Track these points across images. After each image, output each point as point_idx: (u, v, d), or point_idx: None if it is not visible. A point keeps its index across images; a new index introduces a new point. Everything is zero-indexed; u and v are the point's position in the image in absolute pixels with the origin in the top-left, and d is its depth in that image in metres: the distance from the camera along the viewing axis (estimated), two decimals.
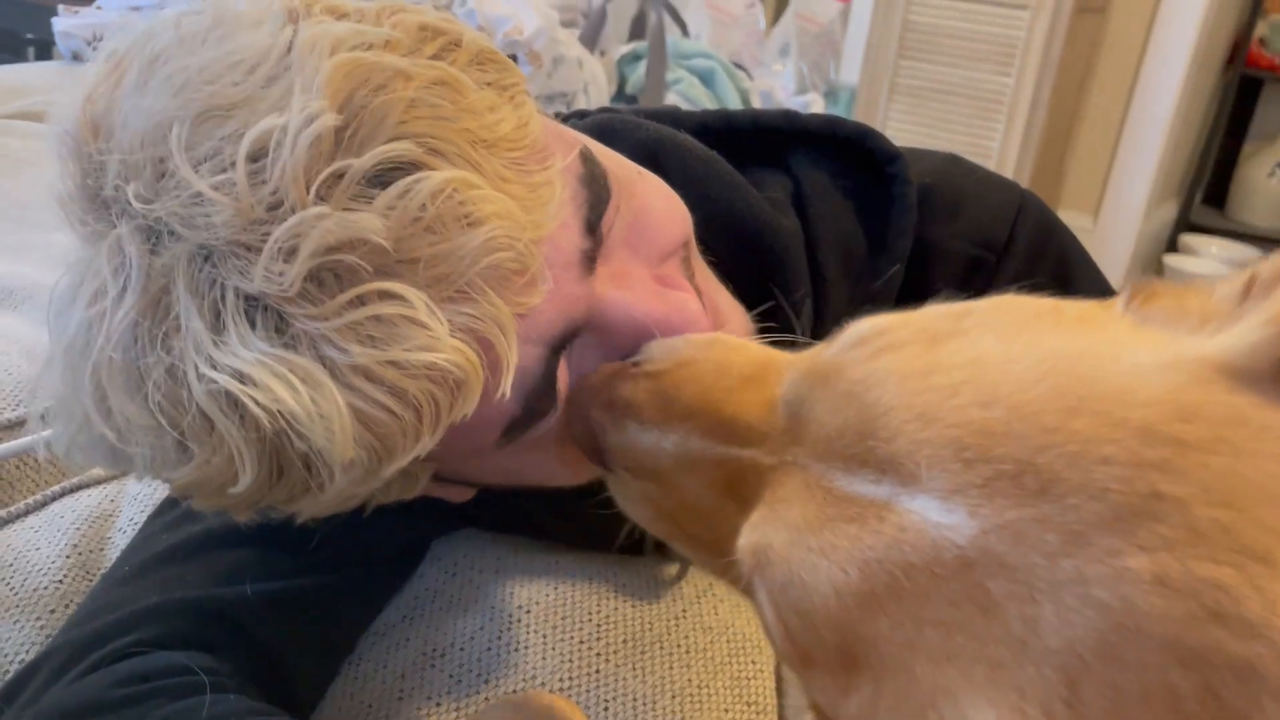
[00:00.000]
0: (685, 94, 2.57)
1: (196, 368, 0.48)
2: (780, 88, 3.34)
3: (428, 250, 0.48)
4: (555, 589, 0.79)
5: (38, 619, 0.76)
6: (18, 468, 0.89)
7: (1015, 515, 0.35)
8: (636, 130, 0.77)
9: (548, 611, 0.77)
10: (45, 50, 2.94)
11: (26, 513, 0.85)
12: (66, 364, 0.52)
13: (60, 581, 0.79)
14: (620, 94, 2.65)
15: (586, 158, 0.59)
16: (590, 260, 0.57)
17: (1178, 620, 0.32)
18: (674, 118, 0.82)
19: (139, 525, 0.78)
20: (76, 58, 2.24)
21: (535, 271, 0.52)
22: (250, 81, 0.49)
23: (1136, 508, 0.34)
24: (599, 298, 0.58)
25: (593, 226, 0.57)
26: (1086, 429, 0.35)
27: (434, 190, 0.48)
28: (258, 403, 0.47)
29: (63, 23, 2.28)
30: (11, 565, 0.79)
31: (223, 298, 0.48)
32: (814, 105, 3.22)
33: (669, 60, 2.59)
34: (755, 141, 0.81)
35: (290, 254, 0.47)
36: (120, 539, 0.83)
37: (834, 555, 0.39)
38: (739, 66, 2.96)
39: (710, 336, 0.58)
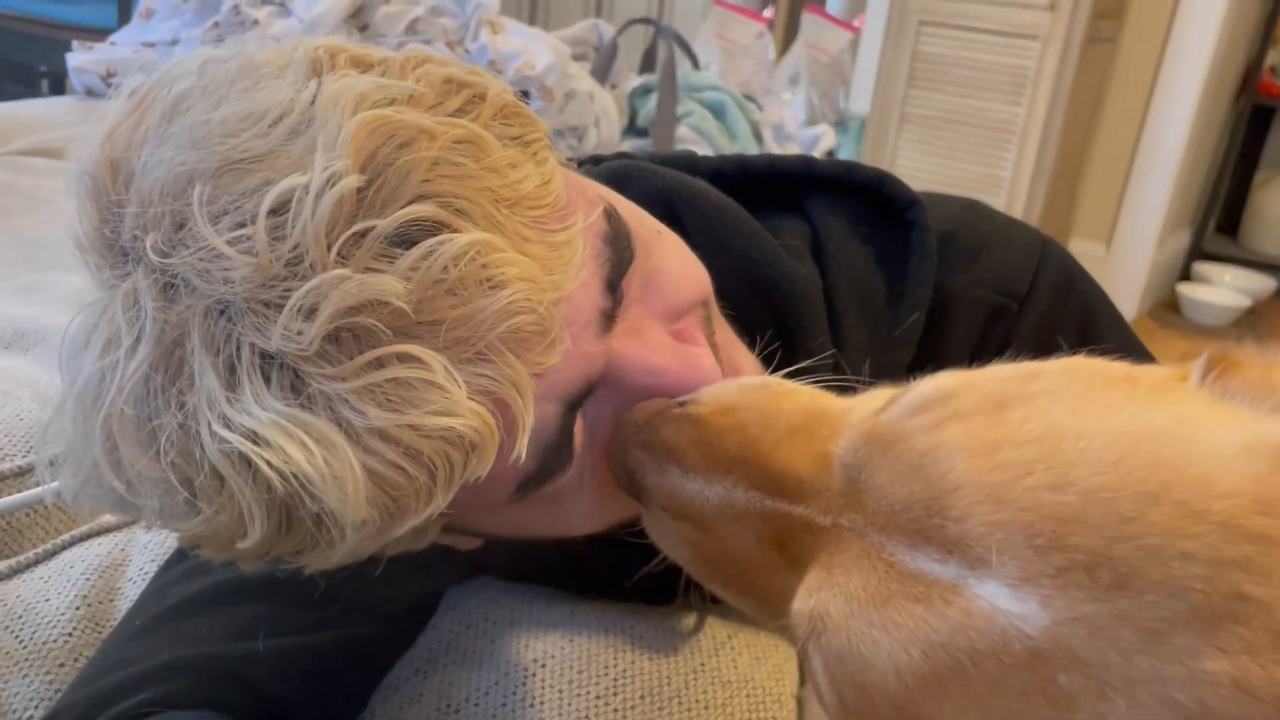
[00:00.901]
0: (696, 126, 2.57)
1: (210, 425, 0.47)
2: (790, 118, 3.34)
3: (449, 313, 0.48)
4: (571, 641, 0.77)
5: (47, 673, 0.75)
6: (27, 515, 0.89)
7: (1090, 609, 0.35)
8: (652, 178, 0.76)
9: (563, 665, 0.75)
10: (59, 84, 2.97)
11: (36, 562, 0.84)
12: (78, 411, 0.51)
13: (70, 634, 0.78)
14: (632, 127, 2.65)
15: (611, 215, 0.58)
16: (609, 319, 0.56)
17: None
18: (689, 163, 0.81)
19: (149, 576, 0.77)
20: (90, 92, 2.26)
21: (555, 333, 0.51)
22: (273, 137, 0.48)
23: (1218, 608, 0.33)
24: (616, 353, 0.57)
25: (614, 285, 0.56)
26: (1165, 521, 0.34)
27: (457, 253, 0.47)
28: (270, 465, 0.46)
29: (76, 58, 2.30)
30: (21, 617, 0.78)
31: (238, 354, 0.47)
32: (824, 135, 3.22)
33: (680, 93, 2.59)
34: (772, 187, 0.80)
35: (310, 314, 0.46)
36: (131, 589, 0.82)
37: (896, 633, 0.38)
38: (749, 98, 2.97)
39: (761, 380, 0.57)
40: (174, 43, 2.24)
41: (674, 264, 0.63)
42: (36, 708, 0.73)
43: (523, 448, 0.51)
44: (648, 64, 3.10)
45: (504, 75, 2.23)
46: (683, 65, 2.89)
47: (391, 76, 0.52)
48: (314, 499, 0.48)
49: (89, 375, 0.50)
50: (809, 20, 3.80)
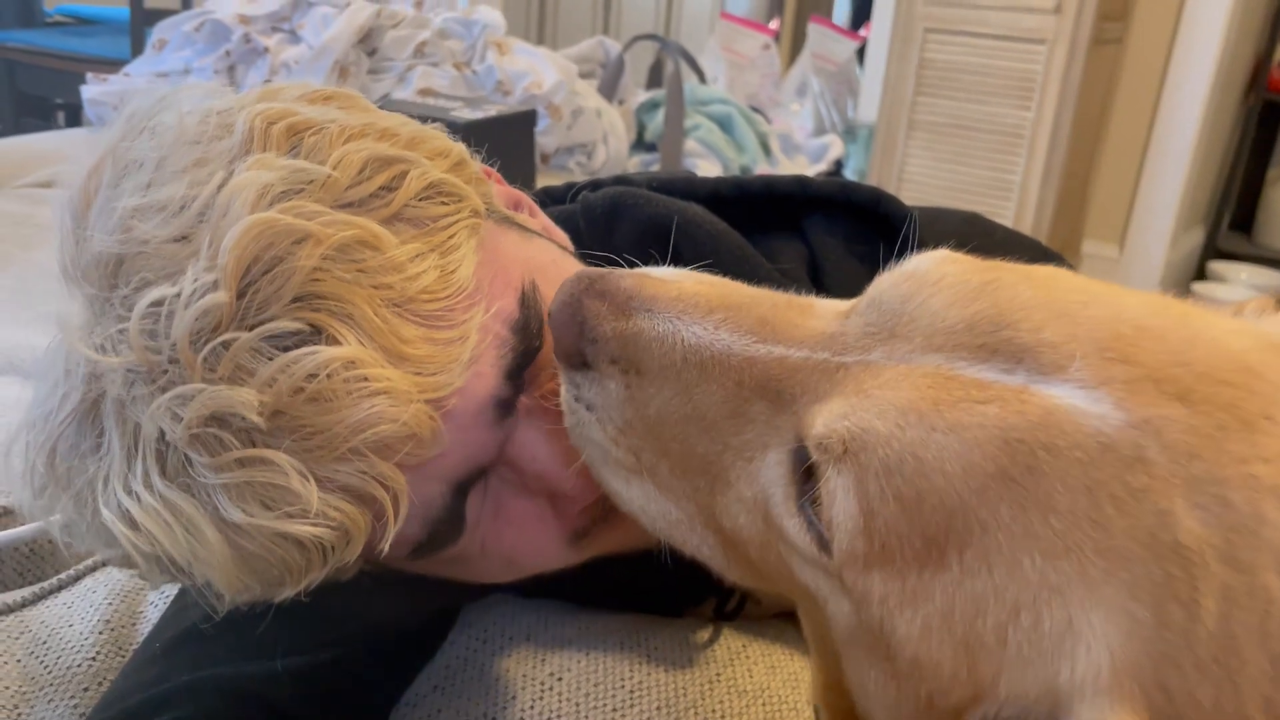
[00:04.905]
0: (704, 140, 2.59)
1: (104, 492, 0.52)
2: (798, 128, 3.35)
3: (309, 420, 0.50)
4: (587, 655, 0.78)
5: (71, 698, 0.76)
6: (50, 542, 0.90)
7: (1157, 413, 0.37)
8: (646, 206, 0.77)
9: (580, 679, 0.76)
10: (75, 116, 3.01)
11: (59, 588, 0.86)
12: (31, 438, 0.56)
13: (93, 658, 0.79)
14: (640, 142, 2.67)
15: (526, 302, 0.58)
16: (507, 406, 0.57)
17: None
18: (687, 186, 0.82)
19: (170, 599, 0.78)
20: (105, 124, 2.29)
21: (427, 434, 0.52)
22: (166, 230, 0.51)
23: (1255, 424, 0.37)
24: (512, 441, 0.58)
25: (515, 374, 0.57)
26: (1206, 356, 0.38)
27: (316, 368, 0.49)
28: (135, 546, 0.51)
29: (91, 90, 2.33)
30: (45, 643, 0.80)
31: (138, 430, 0.51)
32: (832, 145, 3.23)
33: (687, 107, 2.60)
34: (769, 208, 0.81)
35: (175, 417, 0.49)
36: (152, 613, 0.84)
37: (965, 433, 0.39)
38: (756, 110, 2.98)
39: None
40: (186, 72, 2.27)
41: None
42: None
43: (386, 544, 0.53)
44: (655, 79, 3.12)
45: (512, 95, 2.25)
46: (689, 79, 2.90)
47: (319, 153, 0.54)
48: (183, 572, 0.53)
49: (38, 411, 0.55)
50: (815, 31, 3.82)
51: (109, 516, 0.51)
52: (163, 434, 0.50)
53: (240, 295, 0.49)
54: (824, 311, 0.49)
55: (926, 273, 0.45)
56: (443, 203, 0.56)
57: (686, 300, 0.49)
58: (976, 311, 0.42)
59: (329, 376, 0.49)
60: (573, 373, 0.53)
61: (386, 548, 0.53)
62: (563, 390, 0.55)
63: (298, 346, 0.49)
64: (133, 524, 0.51)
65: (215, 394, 0.48)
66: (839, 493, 0.41)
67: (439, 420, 0.53)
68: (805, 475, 0.45)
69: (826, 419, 0.43)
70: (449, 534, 0.58)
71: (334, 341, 0.50)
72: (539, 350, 0.58)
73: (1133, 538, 0.36)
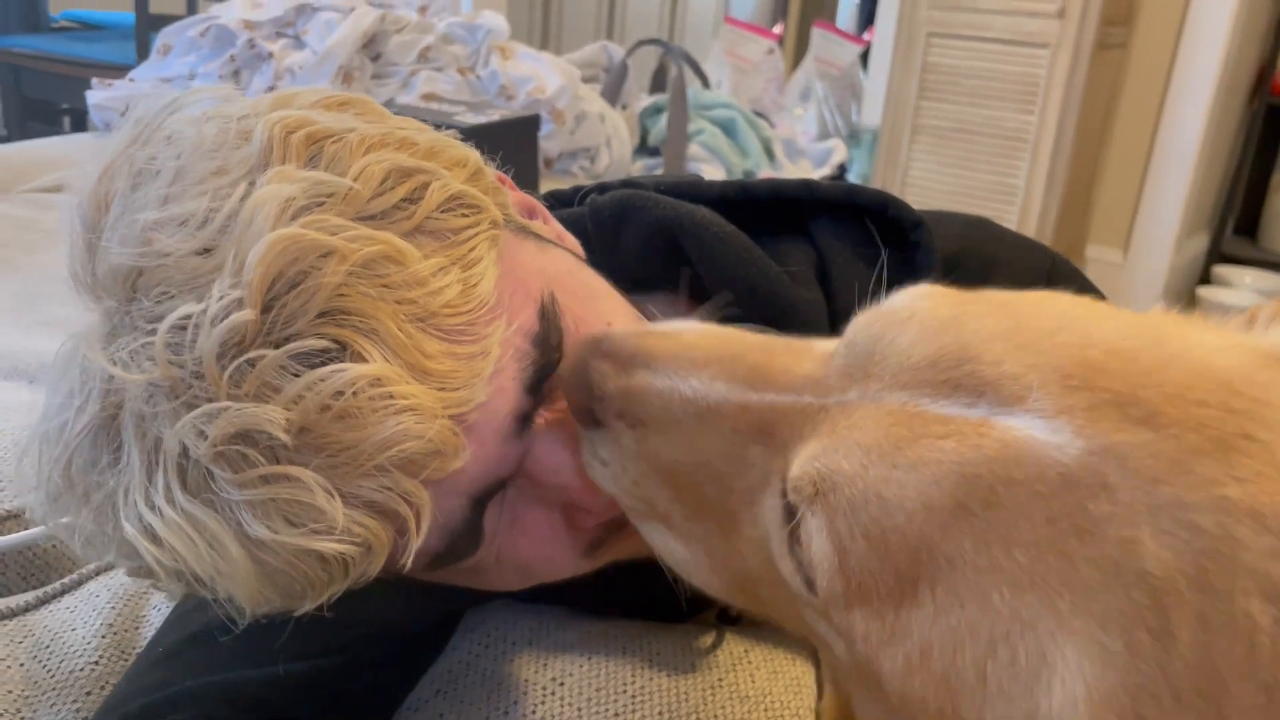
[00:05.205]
0: (707, 144, 2.59)
1: (125, 506, 0.52)
2: (802, 133, 3.36)
3: (335, 438, 0.49)
4: (588, 660, 0.78)
5: (74, 702, 0.76)
6: (54, 546, 0.90)
7: (1119, 439, 0.36)
8: (654, 209, 0.77)
9: (581, 683, 0.76)
10: (80, 121, 3.02)
11: (63, 592, 0.86)
12: (44, 449, 0.55)
13: (96, 663, 0.79)
14: (643, 146, 2.67)
15: (545, 314, 0.58)
16: (526, 420, 0.57)
17: (1265, 553, 0.34)
18: (695, 188, 0.82)
19: (173, 604, 0.78)
20: (110, 129, 2.29)
21: (451, 450, 0.52)
22: (189, 244, 0.50)
23: (1231, 443, 0.36)
24: (532, 453, 0.58)
25: (535, 388, 0.57)
26: (1180, 377, 0.38)
27: (343, 385, 0.49)
28: (158, 560, 0.51)
29: (96, 95, 2.34)
30: (48, 647, 0.80)
31: (158, 445, 0.51)
32: (835, 149, 3.23)
33: (690, 111, 2.61)
34: (776, 211, 0.81)
35: (200, 434, 0.49)
36: (155, 617, 0.84)
37: (924, 470, 0.39)
38: (760, 114, 2.98)
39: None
40: (191, 77, 2.28)
41: None
42: None
43: (409, 559, 0.53)
44: (658, 84, 3.13)
45: (516, 100, 2.26)
46: (693, 84, 2.91)
47: (340, 163, 0.53)
48: (204, 586, 0.53)
49: (52, 421, 0.54)
50: (818, 35, 3.82)
51: (131, 531, 0.51)
52: (185, 449, 0.50)
53: (265, 310, 0.49)
54: (816, 354, 0.50)
55: (897, 310, 0.46)
56: (463, 214, 0.56)
57: (685, 354, 0.51)
58: (939, 348, 0.42)
59: (355, 394, 0.49)
60: (588, 431, 0.55)
61: (409, 563, 0.53)
62: (582, 447, 0.57)
63: (324, 364, 0.49)
64: (155, 539, 0.50)
65: (241, 411, 0.48)
66: (814, 533, 0.42)
67: (462, 435, 0.53)
68: (790, 525, 0.45)
69: (801, 461, 0.43)
70: (467, 546, 0.58)
71: (359, 358, 0.50)
72: (558, 363, 0.58)
73: (1098, 568, 0.35)
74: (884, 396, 0.43)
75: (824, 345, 0.51)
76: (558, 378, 0.58)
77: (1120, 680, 0.34)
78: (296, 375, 0.49)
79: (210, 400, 0.49)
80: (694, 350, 0.51)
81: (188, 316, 0.49)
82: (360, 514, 0.51)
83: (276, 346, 0.49)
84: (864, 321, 0.47)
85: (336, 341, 0.50)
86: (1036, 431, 0.37)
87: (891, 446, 0.40)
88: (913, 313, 0.45)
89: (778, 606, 0.51)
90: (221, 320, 0.48)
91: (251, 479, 0.49)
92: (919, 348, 0.43)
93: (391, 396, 0.50)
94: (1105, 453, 0.36)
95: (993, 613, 0.37)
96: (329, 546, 0.50)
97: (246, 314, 0.48)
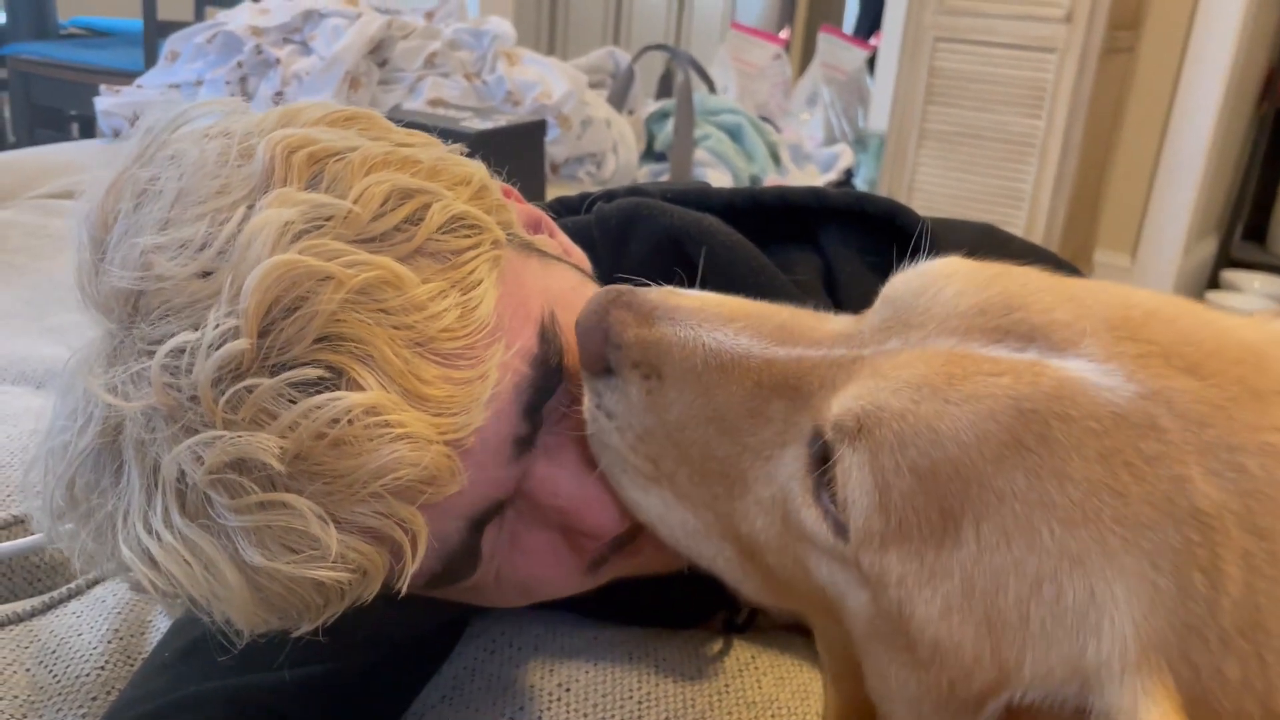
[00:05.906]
0: (713, 150, 2.59)
1: (124, 529, 0.52)
2: (808, 138, 3.36)
3: (330, 465, 0.49)
4: (595, 666, 0.78)
5: (80, 707, 0.76)
6: (59, 551, 0.90)
7: (1168, 384, 0.38)
8: (661, 217, 0.77)
9: (588, 690, 0.76)
10: (89, 128, 3.03)
11: (69, 598, 0.86)
12: (49, 466, 0.55)
13: (102, 668, 0.79)
14: (649, 152, 2.67)
15: (545, 335, 0.57)
16: (525, 444, 0.56)
17: None
18: (702, 196, 0.81)
19: None
20: (118, 135, 2.31)
21: (446, 475, 0.52)
22: (187, 268, 0.50)
23: (1267, 397, 0.37)
24: (529, 475, 0.58)
25: (533, 412, 0.56)
26: (1216, 339, 0.40)
27: (337, 414, 0.49)
28: (154, 584, 0.51)
29: (104, 102, 2.35)
30: (54, 652, 0.80)
31: (156, 468, 0.51)
32: (842, 154, 3.23)
33: (696, 117, 2.61)
34: (783, 219, 0.81)
35: (197, 461, 0.49)
36: (162, 622, 0.84)
37: (979, 404, 0.39)
38: (766, 119, 2.98)
39: None
40: (198, 83, 2.29)
41: None
42: None
43: (406, 579, 0.53)
44: (664, 89, 3.13)
45: (522, 105, 2.26)
46: (699, 89, 2.91)
47: (340, 183, 0.53)
48: (201, 609, 0.53)
49: (57, 439, 0.55)
50: (825, 40, 3.82)
51: (128, 555, 0.51)
52: (183, 474, 0.50)
53: (262, 335, 0.49)
54: (840, 319, 0.51)
55: (939, 270, 0.47)
56: (465, 235, 0.56)
57: (708, 310, 0.51)
58: (988, 297, 0.43)
59: (350, 422, 0.49)
60: (595, 380, 0.54)
61: (404, 588, 0.53)
62: (585, 398, 0.56)
63: (319, 391, 0.49)
64: (152, 562, 0.51)
65: (235, 440, 0.48)
66: (854, 470, 0.42)
67: (457, 460, 0.52)
68: (821, 469, 0.45)
69: (842, 399, 0.44)
70: (465, 568, 0.58)
71: (355, 386, 0.49)
72: (558, 385, 0.57)
73: (1150, 503, 0.36)
74: (930, 342, 0.44)
75: (849, 316, 0.51)
76: (568, 352, 0.58)
77: (1169, 621, 0.35)
78: (292, 402, 0.49)
79: (207, 426, 0.49)
80: (720, 307, 0.52)
81: (185, 342, 0.49)
82: (355, 540, 0.50)
83: (273, 373, 0.49)
84: (902, 280, 0.48)
85: (332, 368, 0.49)
86: (1091, 374, 0.39)
87: (944, 382, 0.41)
88: (955, 270, 0.46)
89: (783, 573, 0.51)
90: (217, 348, 0.48)
91: (247, 505, 0.49)
92: (966, 297, 0.44)
93: (387, 424, 0.49)
94: (1155, 396, 0.37)
95: (1041, 549, 0.37)
96: (324, 574, 0.50)
97: (242, 343, 0.48)
